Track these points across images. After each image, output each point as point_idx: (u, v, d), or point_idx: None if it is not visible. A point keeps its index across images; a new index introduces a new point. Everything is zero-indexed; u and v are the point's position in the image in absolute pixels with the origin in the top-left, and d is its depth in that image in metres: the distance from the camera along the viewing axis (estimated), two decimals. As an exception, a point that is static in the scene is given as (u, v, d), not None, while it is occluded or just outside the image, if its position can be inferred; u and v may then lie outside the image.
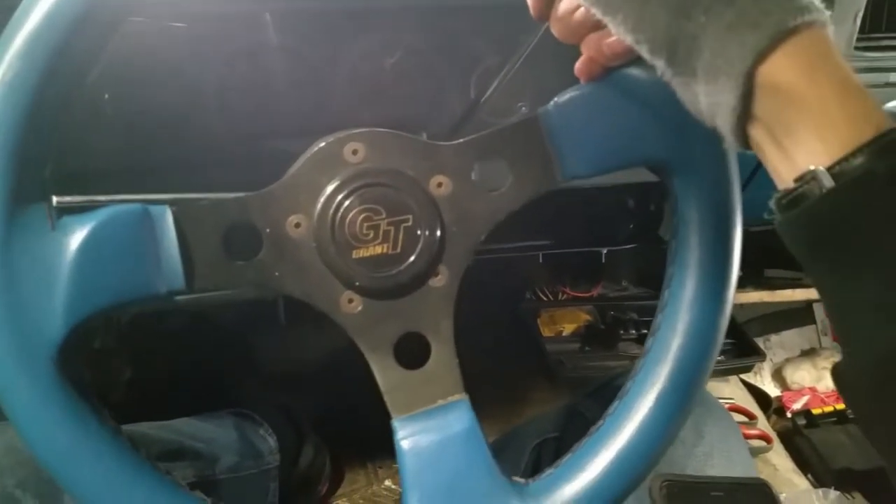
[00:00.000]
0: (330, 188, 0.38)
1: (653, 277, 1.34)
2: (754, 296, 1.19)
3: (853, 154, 0.27)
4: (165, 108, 0.58)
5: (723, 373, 1.24)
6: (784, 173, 0.30)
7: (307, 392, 1.01)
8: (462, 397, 0.40)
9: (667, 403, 0.40)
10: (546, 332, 1.26)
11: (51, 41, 0.33)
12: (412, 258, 0.39)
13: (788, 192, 0.29)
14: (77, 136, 0.52)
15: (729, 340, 1.24)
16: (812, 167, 0.28)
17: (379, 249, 0.39)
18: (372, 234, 0.39)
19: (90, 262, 0.35)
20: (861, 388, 0.30)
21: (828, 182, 0.27)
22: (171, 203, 0.37)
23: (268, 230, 0.38)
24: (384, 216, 0.39)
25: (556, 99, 0.39)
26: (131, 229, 0.36)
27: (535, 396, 1.18)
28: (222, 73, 0.59)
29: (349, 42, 0.61)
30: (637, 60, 0.37)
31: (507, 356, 1.22)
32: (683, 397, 0.41)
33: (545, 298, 1.33)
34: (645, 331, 1.22)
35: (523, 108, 0.64)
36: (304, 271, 0.39)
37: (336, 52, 0.60)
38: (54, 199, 0.36)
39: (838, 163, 0.27)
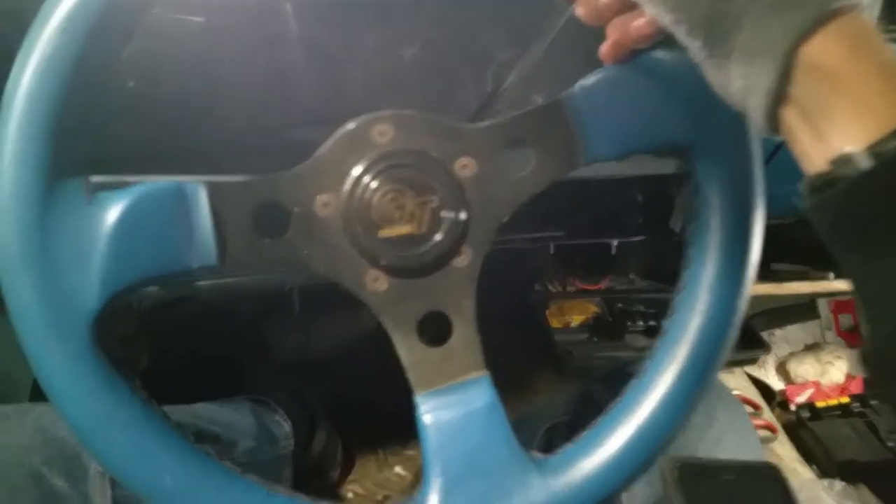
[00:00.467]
0: (358, 169, 0.39)
1: (660, 271, 1.35)
2: (759, 288, 1.20)
3: (891, 136, 0.27)
4: (186, 99, 0.59)
5: (727, 364, 1.25)
6: (816, 156, 0.30)
7: (320, 380, 1.02)
8: (483, 374, 0.41)
9: (686, 382, 0.41)
10: (554, 323, 1.27)
11: (87, 19, 0.34)
12: (437, 238, 0.39)
13: (821, 174, 0.29)
14: (102, 124, 0.53)
15: (733, 333, 1.25)
16: (847, 149, 0.28)
17: (405, 229, 0.39)
18: (398, 214, 0.39)
19: (126, 235, 0.36)
20: (882, 366, 0.30)
21: (863, 164, 0.27)
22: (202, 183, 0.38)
23: (296, 209, 0.39)
24: (410, 196, 0.39)
25: (581, 82, 0.40)
26: (166, 205, 0.36)
27: (543, 387, 1.19)
28: (242, 64, 0.59)
29: (367, 33, 0.61)
30: (662, 43, 0.37)
31: (516, 346, 1.23)
32: (701, 376, 0.41)
33: (554, 290, 1.34)
34: (652, 323, 1.25)
35: (539, 101, 0.65)
36: (331, 250, 0.39)
37: (354, 44, 0.61)
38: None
39: (875, 145, 0.27)
